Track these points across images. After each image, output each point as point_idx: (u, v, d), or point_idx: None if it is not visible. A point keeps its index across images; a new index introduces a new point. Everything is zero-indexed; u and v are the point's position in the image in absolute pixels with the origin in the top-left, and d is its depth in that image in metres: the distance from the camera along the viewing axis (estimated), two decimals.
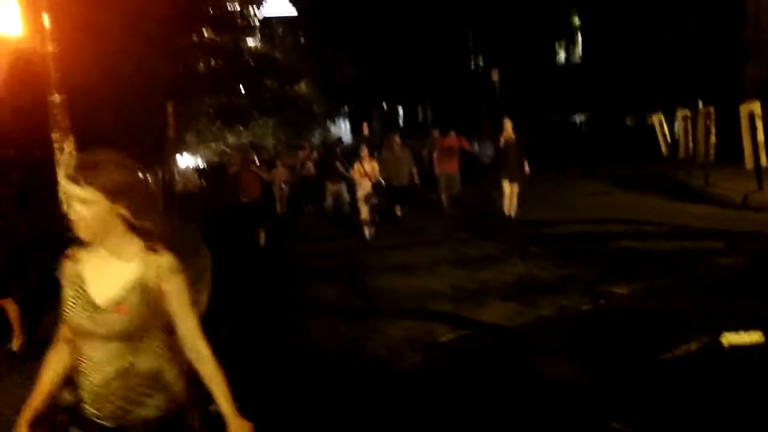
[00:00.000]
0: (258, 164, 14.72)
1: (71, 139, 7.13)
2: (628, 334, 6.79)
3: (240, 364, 6.92)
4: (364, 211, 13.80)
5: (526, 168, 14.04)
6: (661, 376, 5.66)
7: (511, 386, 5.72)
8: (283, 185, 19.30)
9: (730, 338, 6.23)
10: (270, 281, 10.52)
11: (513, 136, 14.02)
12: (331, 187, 18.19)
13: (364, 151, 14.24)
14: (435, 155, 16.95)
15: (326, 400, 5.82)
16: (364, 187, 13.90)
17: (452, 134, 17.22)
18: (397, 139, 15.50)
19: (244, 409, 5.73)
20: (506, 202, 14.13)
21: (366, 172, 13.90)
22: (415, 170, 15.42)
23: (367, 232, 13.73)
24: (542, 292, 8.44)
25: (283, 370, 6.66)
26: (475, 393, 5.63)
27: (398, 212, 15.51)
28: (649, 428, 4.78)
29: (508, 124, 14.08)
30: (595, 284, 8.57)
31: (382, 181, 14.05)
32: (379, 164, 14.84)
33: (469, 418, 5.19)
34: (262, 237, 13.53)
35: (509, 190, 14.01)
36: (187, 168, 22.34)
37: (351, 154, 20.04)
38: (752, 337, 6.22)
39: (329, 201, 18.41)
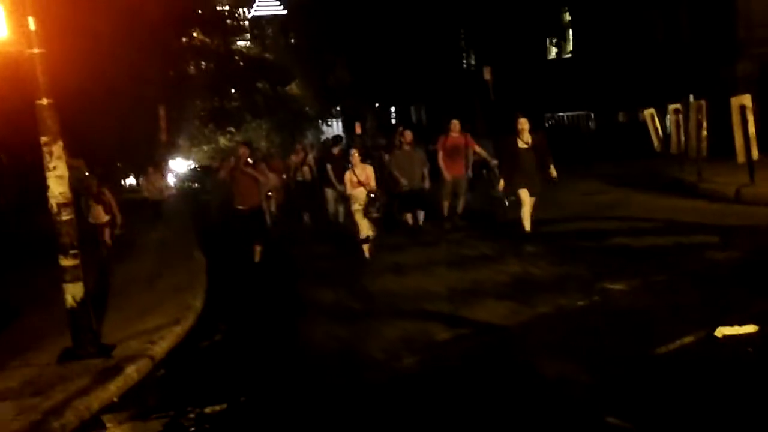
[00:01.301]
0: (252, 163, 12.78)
1: (60, 143, 7.09)
2: (624, 329, 6.79)
3: (235, 367, 6.95)
4: (363, 227, 11.78)
5: (553, 172, 11.81)
6: (656, 370, 5.67)
7: (508, 384, 5.72)
8: (269, 193, 15.79)
9: (724, 332, 6.24)
10: (266, 284, 10.51)
11: (530, 138, 11.86)
12: (330, 194, 16.64)
13: (355, 157, 12.15)
14: (439, 156, 14.29)
15: (323, 401, 5.81)
16: (358, 199, 11.78)
17: (457, 131, 14.45)
18: (408, 135, 14.22)
19: (238, 412, 5.77)
20: (525, 214, 11.69)
21: (360, 181, 11.75)
22: (426, 171, 14.09)
23: (366, 251, 11.78)
24: (538, 291, 8.44)
25: (279, 372, 6.66)
26: (472, 392, 5.63)
27: (415, 220, 14.15)
28: (645, 422, 4.78)
29: (524, 123, 11.84)
30: (590, 281, 8.56)
31: (377, 192, 12.00)
32: (392, 165, 14.09)
33: (466, 417, 5.19)
34: (258, 252, 12.27)
35: (528, 196, 11.68)
36: (154, 172, 20.83)
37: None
38: (747, 330, 6.23)
39: (332, 208, 16.83)
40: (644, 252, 9.92)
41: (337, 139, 18.74)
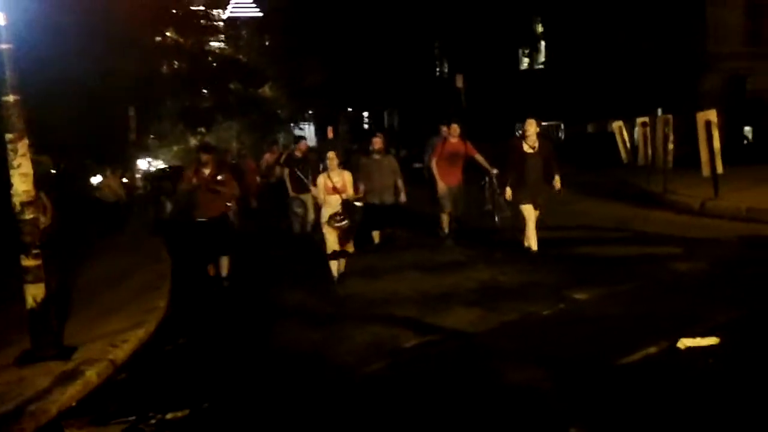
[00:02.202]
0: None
1: (26, 141, 6.98)
2: (589, 338, 6.83)
3: (200, 372, 6.87)
4: (331, 241, 10.04)
5: (557, 184, 10.59)
6: (619, 380, 5.70)
7: (474, 392, 5.71)
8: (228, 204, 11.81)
9: (687, 343, 6.30)
10: (233, 286, 10.42)
11: (537, 142, 10.57)
12: (295, 200, 14.21)
13: (333, 160, 10.31)
14: (433, 163, 12.74)
15: (289, 407, 5.77)
16: (330, 207, 10.06)
17: (456, 135, 12.73)
18: (378, 141, 12.72)
19: (201, 418, 5.70)
20: (529, 232, 10.56)
21: (335, 187, 10.08)
22: (401, 182, 12.54)
23: (335, 269, 10.17)
24: (506, 298, 8.47)
25: (245, 377, 6.60)
26: (437, 398, 5.62)
27: (377, 239, 12.59)
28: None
29: (532, 126, 10.60)
30: (557, 290, 8.60)
31: (356, 202, 10.64)
32: (358, 176, 11.70)
33: (431, 422, 5.17)
34: (225, 265, 10.61)
35: (532, 212, 10.55)
36: (112, 174, 19.68)
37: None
38: (708, 342, 6.29)
39: (297, 217, 14.39)
40: (610, 261, 10.00)
41: (298, 139, 16.60)
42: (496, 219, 13.38)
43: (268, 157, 16.94)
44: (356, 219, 10.39)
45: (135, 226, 19.38)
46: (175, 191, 17.48)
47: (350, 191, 10.26)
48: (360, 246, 11.09)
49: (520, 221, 10.75)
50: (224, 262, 10.56)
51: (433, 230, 13.18)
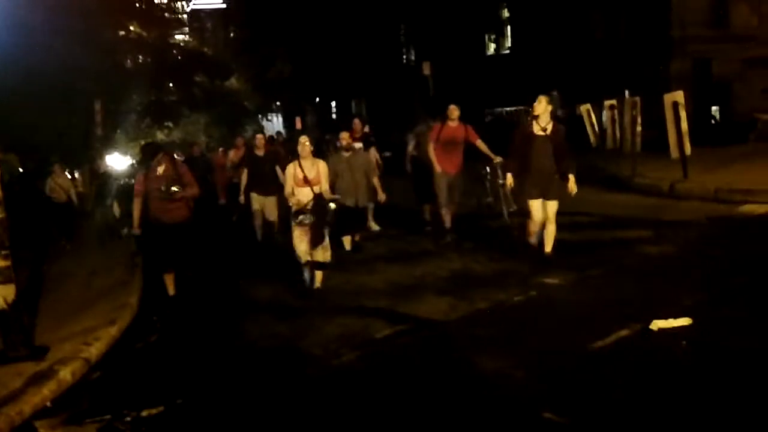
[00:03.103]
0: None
1: None
2: (561, 324, 6.90)
3: (173, 368, 6.84)
4: (302, 249, 8.73)
5: (571, 185, 9.14)
6: (593, 364, 5.76)
7: (446, 380, 5.75)
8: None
9: (660, 325, 6.37)
10: (203, 281, 10.34)
11: (550, 124, 9.10)
12: (257, 200, 12.66)
13: (305, 146, 8.91)
14: (430, 148, 11.38)
15: (262, 400, 5.76)
16: (299, 204, 8.66)
17: (455, 119, 11.40)
18: (345, 135, 11.33)
19: (176, 414, 5.68)
20: (535, 228, 9.42)
21: (306, 178, 8.74)
22: (377, 180, 11.34)
23: (307, 274, 8.94)
24: (477, 286, 8.51)
25: (217, 372, 6.58)
26: (410, 388, 5.64)
27: (347, 245, 11.17)
28: (581, 417, 4.84)
29: (543, 104, 9.09)
30: (528, 276, 8.66)
31: (333, 195, 9.18)
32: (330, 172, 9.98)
33: (404, 412, 5.19)
34: (171, 282, 9.20)
35: (541, 211, 9.17)
36: (60, 171, 18.38)
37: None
38: (681, 323, 6.36)
39: (258, 219, 12.81)
40: (580, 246, 10.08)
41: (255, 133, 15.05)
42: (504, 214, 12.18)
43: (232, 155, 15.43)
44: (329, 220, 8.80)
45: (91, 228, 18.51)
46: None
47: (324, 184, 8.88)
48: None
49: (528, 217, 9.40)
50: (170, 276, 9.12)
51: (413, 227, 12.50)
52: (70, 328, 8.05)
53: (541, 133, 9.04)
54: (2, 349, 7.01)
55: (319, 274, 8.82)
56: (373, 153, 12.96)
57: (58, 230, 16.32)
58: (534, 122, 9.10)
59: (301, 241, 8.70)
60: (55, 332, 7.88)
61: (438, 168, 11.28)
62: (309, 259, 8.75)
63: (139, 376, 6.80)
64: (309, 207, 8.60)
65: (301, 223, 8.59)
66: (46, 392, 6.16)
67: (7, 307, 6.95)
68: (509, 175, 9.46)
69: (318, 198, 8.69)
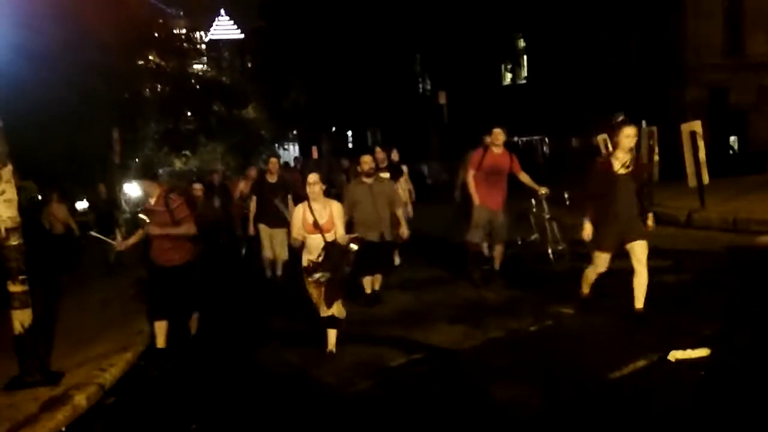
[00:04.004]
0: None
1: (9, 167, 6.95)
2: (577, 354, 6.84)
3: (188, 394, 6.82)
4: (321, 302, 7.46)
5: (650, 222, 7.73)
6: (609, 394, 5.70)
7: (461, 409, 5.71)
8: None
9: (677, 355, 6.30)
10: (217, 308, 10.31)
11: (633, 160, 7.49)
12: (266, 233, 11.52)
13: (315, 185, 7.57)
14: (469, 176, 10.15)
15: (276, 427, 5.73)
16: (312, 250, 7.47)
17: (500, 144, 10.11)
18: (367, 160, 9.57)
19: None
20: (593, 277, 8.08)
21: (317, 223, 7.46)
22: (401, 212, 9.77)
23: (331, 339, 7.54)
24: (490, 314, 8.47)
25: (231, 399, 6.56)
26: (424, 416, 5.61)
27: (367, 288, 9.59)
28: None
29: (630, 134, 7.38)
30: (542, 305, 8.61)
31: (352, 245, 7.35)
32: (347, 202, 9.17)
33: None
34: (195, 323, 8.39)
35: (607, 263, 7.83)
36: (58, 201, 16.62)
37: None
38: (699, 354, 6.29)
39: (268, 254, 11.68)
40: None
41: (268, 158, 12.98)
42: (550, 253, 11.13)
43: (242, 186, 13.83)
44: (345, 270, 7.44)
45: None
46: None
47: (340, 229, 7.55)
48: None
49: (639, 272, 7.70)
50: (192, 318, 8.33)
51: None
52: (84, 354, 8.06)
53: (624, 171, 7.40)
54: (18, 374, 7.03)
55: (332, 334, 7.53)
56: (404, 182, 11.95)
57: (55, 263, 14.77)
58: (612, 158, 7.49)
59: (315, 290, 7.51)
60: (70, 358, 7.89)
61: (477, 200, 10.07)
62: (331, 312, 7.45)
63: (153, 401, 6.79)
64: (321, 259, 7.29)
65: (317, 282, 7.34)
66: (60, 417, 6.18)
67: (24, 332, 6.98)
68: (587, 224, 7.72)
69: (330, 246, 7.32)
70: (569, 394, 5.74)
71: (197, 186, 12.66)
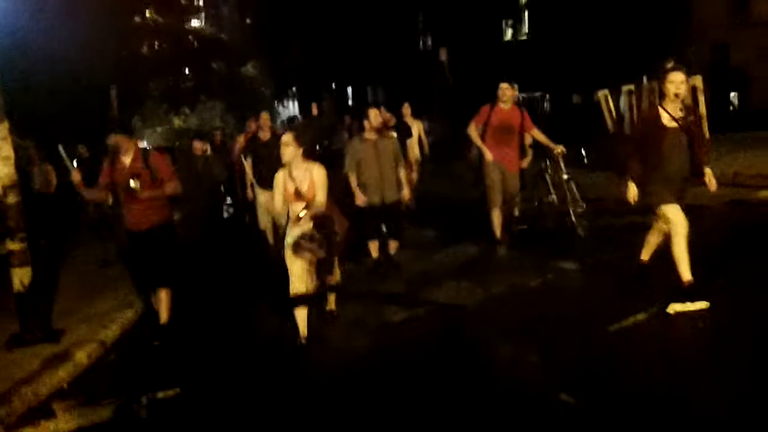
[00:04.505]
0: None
1: (6, 124, 6.90)
2: (577, 308, 6.87)
3: (189, 352, 6.84)
4: (296, 273, 6.47)
5: (710, 179, 6.90)
6: (610, 347, 5.73)
7: (462, 364, 5.73)
8: None
9: (676, 308, 6.32)
10: (218, 267, 10.33)
11: (683, 111, 6.61)
12: (264, 198, 10.03)
13: (289, 146, 6.48)
14: (471, 128, 9.53)
15: (275, 384, 5.76)
16: (294, 224, 6.44)
17: (508, 101, 9.50)
18: (375, 115, 8.67)
19: (192, 396, 5.68)
20: (678, 252, 6.70)
21: (299, 192, 6.44)
22: (403, 172, 8.94)
23: (300, 323, 6.58)
24: (493, 271, 8.49)
25: (231, 355, 6.59)
26: (426, 372, 5.62)
27: (384, 252, 9.12)
28: (598, 399, 4.81)
29: (678, 80, 6.42)
30: (544, 261, 8.61)
31: (326, 216, 6.49)
32: (346, 164, 8.70)
33: (421, 397, 5.17)
34: (164, 304, 7.21)
35: (683, 221, 6.76)
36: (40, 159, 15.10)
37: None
38: (698, 306, 6.30)
39: (264, 220, 10.57)
40: (598, 232, 9.99)
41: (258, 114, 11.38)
42: (571, 215, 10.17)
43: (241, 140, 12.10)
44: (333, 245, 6.52)
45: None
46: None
47: (320, 197, 6.45)
48: (353, 261, 8.87)
49: (660, 230, 7.23)
50: (162, 298, 7.19)
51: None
52: (86, 311, 8.08)
53: (674, 125, 6.56)
54: (19, 332, 7.05)
55: (332, 296, 7.20)
56: (414, 143, 11.63)
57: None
58: (662, 107, 6.62)
59: (294, 264, 6.46)
60: (72, 316, 7.91)
61: (489, 156, 9.34)
62: (303, 289, 6.49)
63: (154, 358, 6.81)
64: (311, 233, 6.35)
65: (308, 252, 6.33)
66: (62, 374, 6.21)
67: (24, 290, 6.99)
68: (631, 185, 6.84)
69: (321, 218, 6.46)
70: (570, 348, 5.76)
71: (197, 144, 11.76)
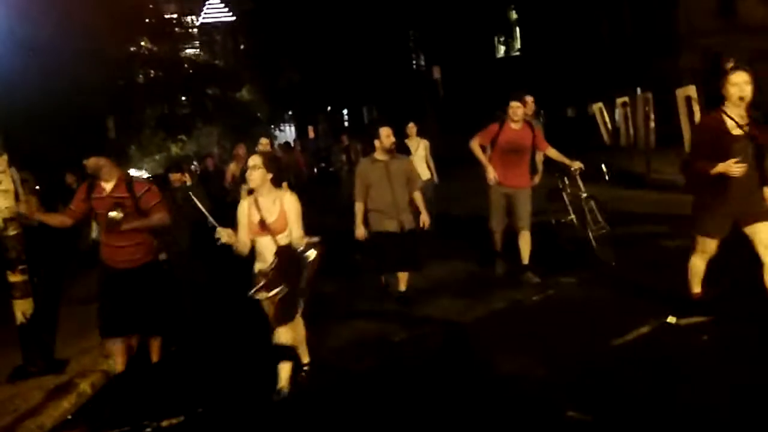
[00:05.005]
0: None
1: (5, 157, 6.93)
2: (580, 322, 6.85)
3: (193, 379, 6.81)
4: (279, 328, 5.75)
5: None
6: (614, 361, 5.72)
7: (466, 381, 5.72)
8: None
9: (680, 320, 6.31)
10: (218, 292, 10.27)
11: (748, 119, 5.85)
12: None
13: (254, 169, 5.68)
14: (475, 143, 8.65)
15: (280, 406, 5.73)
16: (261, 258, 5.76)
17: (518, 119, 8.52)
18: (387, 134, 7.95)
19: (196, 424, 5.66)
20: (702, 266, 6.44)
21: (264, 223, 5.66)
22: (419, 195, 8.34)
23: (283, 375, 5.79)
24: (493, 287, 8.48)
25: (235, 381, 6.56)
26: (430, 390, 5.61)
27: (403, 285, 8.31)
28: (605, 414, 4.81)
29: (744, 80, 5.79)
30: (544, 276, 8.60)
31: (311, 251, 5.61)
32: (358, 190, 8.04)
33: (424, 415, 5.16)
34: (156, 347, 6.89)
35: (715, 249, 6.33)
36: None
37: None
38: (701, 318, 6.29)
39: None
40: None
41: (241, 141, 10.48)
42: (590, 238, 9.39)
43: (233, 169, 11.41)
44: (302, 284, 5.70)
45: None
46: None
47: (296, 230, 5.70)
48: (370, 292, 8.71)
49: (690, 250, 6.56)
50: (153, 344, 6.84)
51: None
52: (89, 341, 8.05)
53: (740, 133, 5.82)
54: (22, 364, 7.03)
55: (283, 369, 5.81)
56: (421, 161, 11.45)
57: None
58: (726, 116, 5.87)
59: (270, 306, 5.85)
60: (74, 346, 7.89)
61: (491, 175, 8.55)
62: (285, 340, 5.79)
63: (158, 386, 6.79)
64: (271, 270, 5.56)
65: (265, 296, 5.66)
66: (66, 405, 6.19)
67: (26, 322, 6.98)
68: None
69: (283, 252, 5.61)
70: (574, 363, 5.75)
71: (174, 176, 10.01)
